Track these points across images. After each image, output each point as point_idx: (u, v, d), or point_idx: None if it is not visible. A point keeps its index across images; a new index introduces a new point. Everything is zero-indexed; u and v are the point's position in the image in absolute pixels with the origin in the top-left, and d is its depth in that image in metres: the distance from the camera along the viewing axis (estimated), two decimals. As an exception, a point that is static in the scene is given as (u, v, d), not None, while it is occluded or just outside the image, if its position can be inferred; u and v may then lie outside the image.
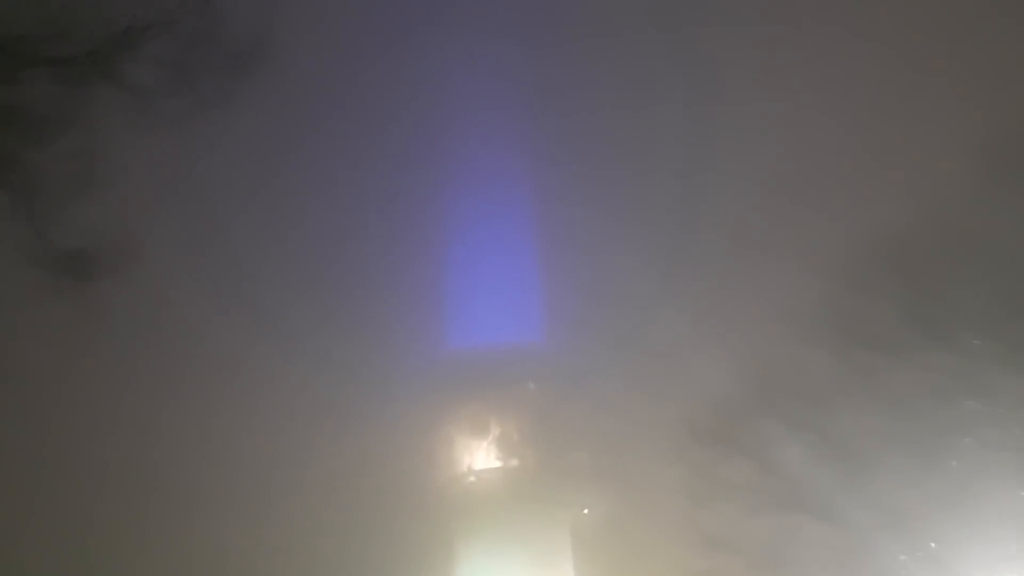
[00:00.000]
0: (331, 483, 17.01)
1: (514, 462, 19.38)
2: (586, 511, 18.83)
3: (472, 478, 19.37)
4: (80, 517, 14.91)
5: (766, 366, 17.16)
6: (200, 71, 12.57)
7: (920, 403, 16.52)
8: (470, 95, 15.50)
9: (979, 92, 15.61)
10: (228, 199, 14.50)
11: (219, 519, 15.98)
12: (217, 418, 15.41)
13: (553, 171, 16.37)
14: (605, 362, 17.84)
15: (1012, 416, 15.81)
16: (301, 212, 15.40)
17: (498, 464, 19.42)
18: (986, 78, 15.66)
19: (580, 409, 18.22)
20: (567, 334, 18.22)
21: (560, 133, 16.12)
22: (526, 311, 18.04)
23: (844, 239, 16.31)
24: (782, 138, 16.46)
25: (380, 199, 15.72)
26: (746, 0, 16.25)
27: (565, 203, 16.63)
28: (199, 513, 15.77)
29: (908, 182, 16.17)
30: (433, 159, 15.68)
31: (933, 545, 16.41)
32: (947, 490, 16.15)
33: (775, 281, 16.73)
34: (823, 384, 17.11)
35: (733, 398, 17.34)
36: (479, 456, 19.50)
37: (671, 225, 16.83)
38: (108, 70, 12.25)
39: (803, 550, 16.98)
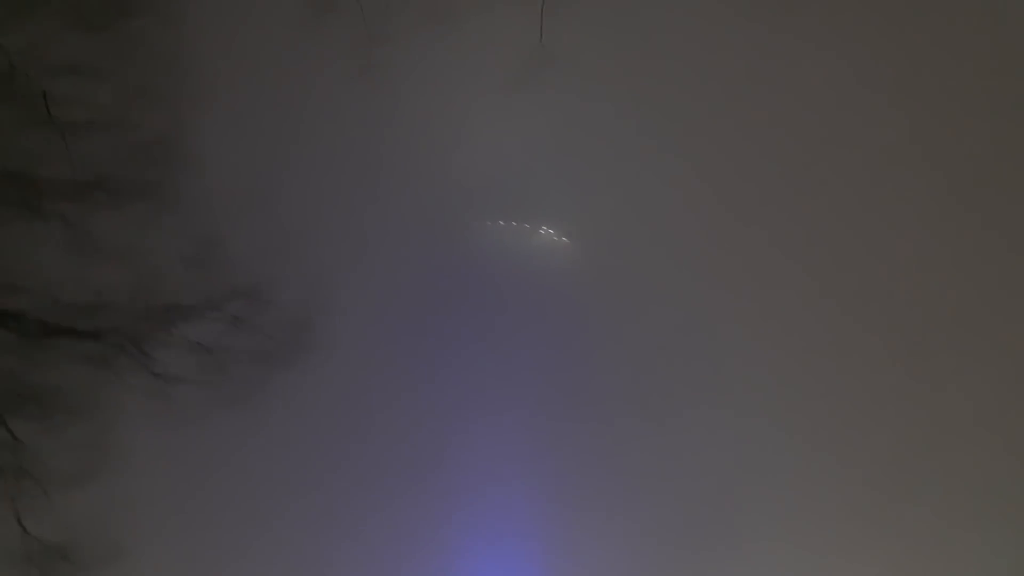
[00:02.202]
0: None
1: None
2: None
3: None
4: None
5: None
6: (232, 360, 12.41)
7: None
8: (499, 446, 15.37)
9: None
10: (235, 505, 13.66)
11: None
12: None
13: (565, 520, 15.79)
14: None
15: None
16: (307, 538, 14.50)
17: None
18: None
19: None
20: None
21: (575, 486, 15.79)
22: None
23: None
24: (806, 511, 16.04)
25: (391, 534, 14.94)
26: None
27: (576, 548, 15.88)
28: None
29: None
30: (456, 512, 15.21)
31: None
32: None
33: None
34: None
35: None
36: None
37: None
38: (136, 351, 12.11)
39: None
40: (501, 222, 16.13)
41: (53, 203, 11.73)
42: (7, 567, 11.89)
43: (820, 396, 15.73)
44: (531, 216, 16.18)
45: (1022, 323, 15.37)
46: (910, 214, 15.68)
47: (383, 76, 13.42)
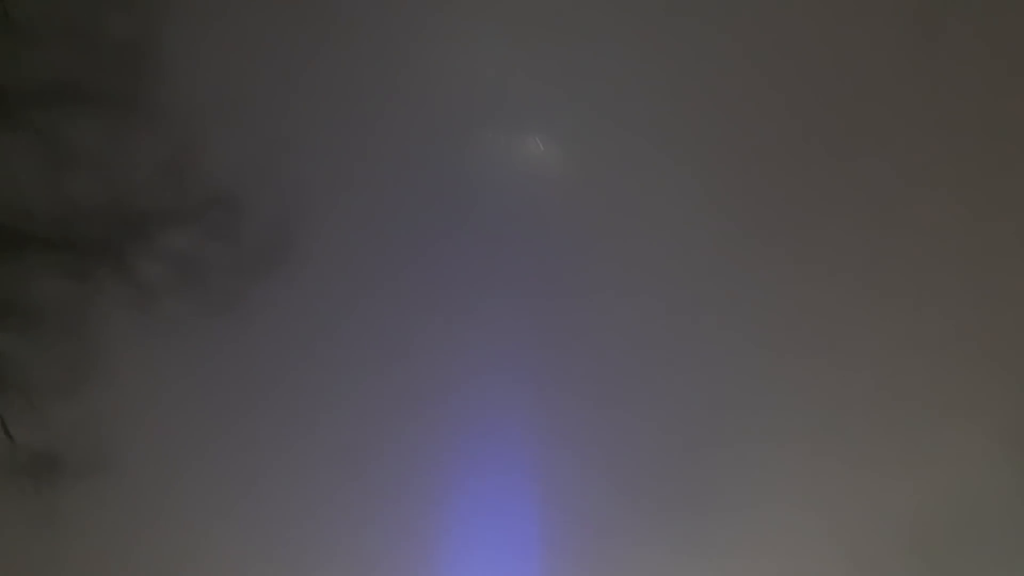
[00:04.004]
0: None
1: None
2: None
3: None
4: None
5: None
6: (213, 270, 12.32)
7: None
8: (483, 353, 15.25)
9: (1001, 369, 15.43)
10: (221, 415, 13.71)
11: None
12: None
13: (559, 438, 15.75)
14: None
15: None
16: (296, 448, 14.56)
17: None
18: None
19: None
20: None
21: (567, 403, 15.73)
22: (519, 556, 16.85)
23: (857, 520, 15.46)
24: (796, 416, 16.06)
25: (383, 443, 14.97)
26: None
27: (572, 473, 15.88)
28: None
29: (925, 461, 15.59)
30: (439, 411, 15.13)
31: None
32: None
33: (782, 564, 15.68)
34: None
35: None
36: None
37: (679, 502, 16.00)
38: (117, 262, 12.01)
39: None
40: (489, 131, 15.84)
41: (23, 112, 11.47)
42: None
43: (814, 317, 15.70)
44: (520, 125, 15.90)
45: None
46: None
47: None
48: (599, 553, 15.76)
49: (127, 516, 12.69)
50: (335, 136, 14.19)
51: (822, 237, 15.96)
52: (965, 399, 15.24)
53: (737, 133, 15.82)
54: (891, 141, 15.68)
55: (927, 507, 14.99)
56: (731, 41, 15.22)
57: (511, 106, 15.61)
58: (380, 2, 13.88)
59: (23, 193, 11.57)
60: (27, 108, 11.48)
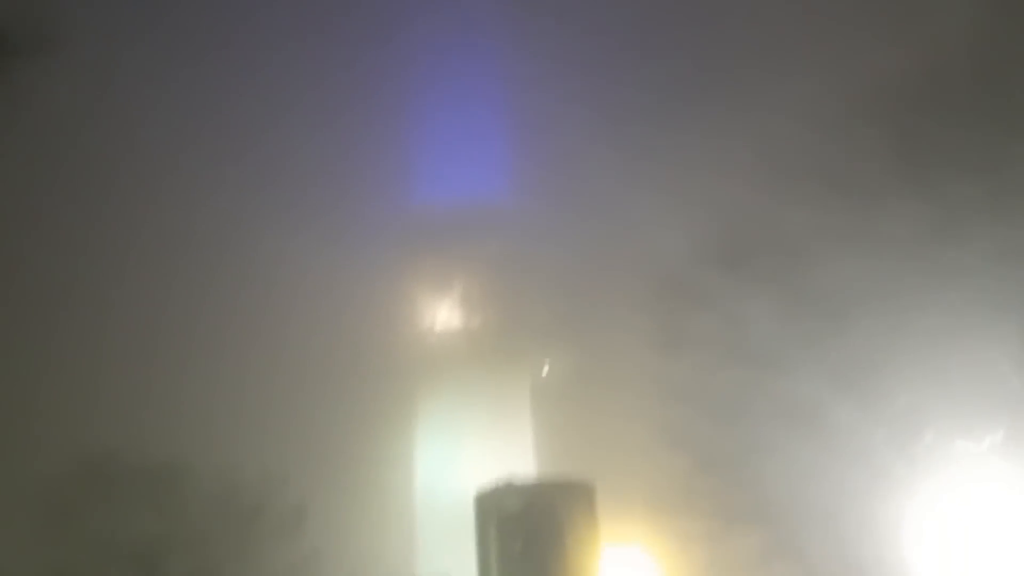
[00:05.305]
0: (285, 337, 16.20)
1: (476, 318, 18.91)
2: (547, 366, 18.48)
3: (433, 334, 18.88)
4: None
5: (737, 216, 16.53)
6: None
7: (896, 254, 15.91)
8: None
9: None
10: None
11: (168, 368, 15.13)
12: (148, 259, 14.35)
13: (524, 33, 15.35)
14: (570, 216, 17.18)
15: (990, 269, 15.19)
16: (263, 27, 14.12)
17: (459, 320, 18.96)
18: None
19: (543, 264, 17.62)
20: (531, 192, 17.49)
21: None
22: (491, 170, 17.36)
23: (823, 85, 15.53)
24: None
25: (348, 38, 14.53)
26: None
27: (535, 63, 15.68)
28: (144, 359, 14.88)
29: (894, 24, 15.27)
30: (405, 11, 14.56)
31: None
32: (918, 347, 15.64)
33: (748, 128, 16.01)
34: (795, 234, 16.48)
35: (702, 250, 16.72)
36: (440, 312, 18.98)
37: (637, 77, 15.96)
38: None
39: (767, 405, 16.55)
40: None
41: None
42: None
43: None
44: None
45: None
46: None
47: None
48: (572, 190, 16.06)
49: (76, 91, 12.71)
50: None
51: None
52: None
53: None
54: None
55: (891, 71, 15.08)
56: None
57: None
58: None
59: None
60: None
